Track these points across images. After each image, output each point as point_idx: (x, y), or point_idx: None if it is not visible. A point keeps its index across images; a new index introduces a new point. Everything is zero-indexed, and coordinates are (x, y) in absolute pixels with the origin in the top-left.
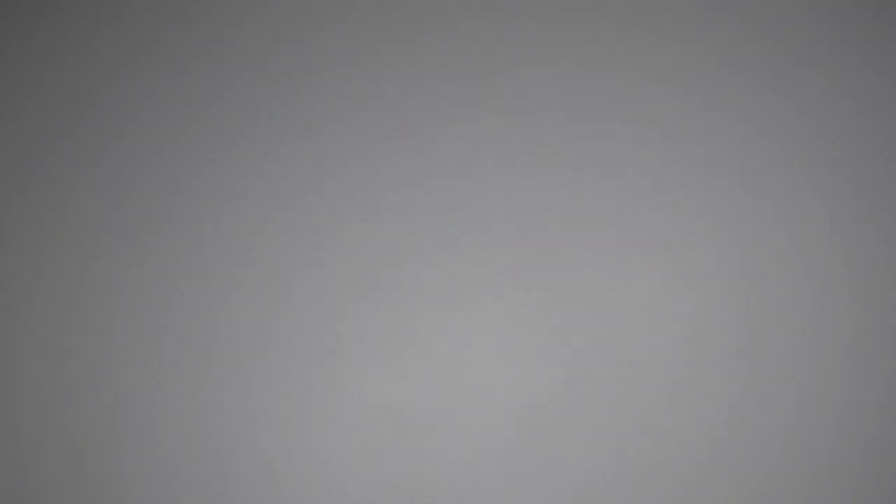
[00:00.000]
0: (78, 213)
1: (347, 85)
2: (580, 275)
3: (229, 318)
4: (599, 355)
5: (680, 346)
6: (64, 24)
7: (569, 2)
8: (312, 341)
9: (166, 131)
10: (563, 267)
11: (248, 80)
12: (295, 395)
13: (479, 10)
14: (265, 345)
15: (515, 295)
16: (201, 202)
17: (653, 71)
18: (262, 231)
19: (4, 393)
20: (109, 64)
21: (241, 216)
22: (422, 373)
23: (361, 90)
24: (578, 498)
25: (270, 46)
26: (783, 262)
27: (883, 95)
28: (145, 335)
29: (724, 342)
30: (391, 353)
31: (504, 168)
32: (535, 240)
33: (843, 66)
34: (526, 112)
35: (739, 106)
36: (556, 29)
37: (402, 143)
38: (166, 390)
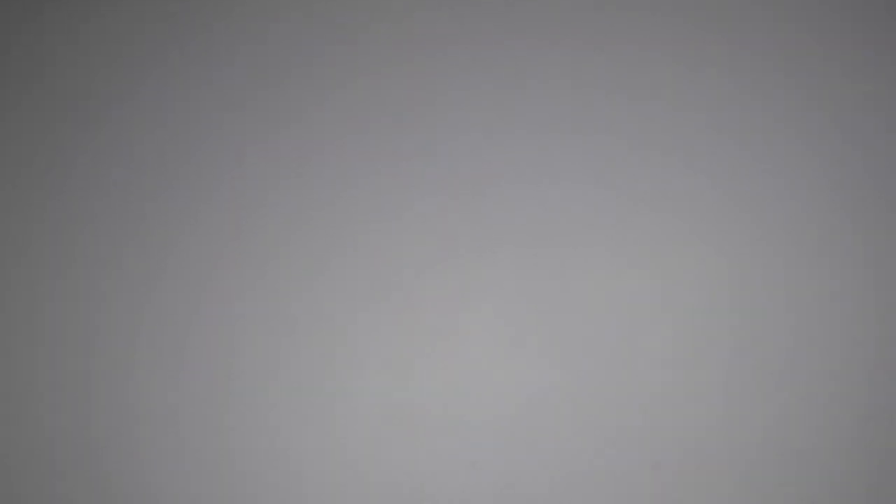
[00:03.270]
0: (96, 210)
1: (352, 87)
2: (581, 277)
3: (229, 318)
4: (599, 357)
5: (678, 347)
6: (63, 23)
7: (574, 3)
8: (313, 342)
9: (166, 132)
10: (564, 269)
11: (249, 83)
12: (295, 395)
13: (481, 13)
14: (267, 345)
15: (516, 296)
16: (206, 204)
17: (655, 71)
18: (265, 233)
19: (26, 390)
20: (107, 62)
21: (244, 217)
22: (422, 373)
23: (365, 93)
24: (577, 498)
25: (272, 49)
26: (783, 265)
27: (887, 94)
28: (142, 336)
29: (723, 344)
30: (392, 354)
31: (506, 172)
32: (536, 242)
33: (847, 66)
34: (529, 118)
35: (744, 105)
36: (559, 30)
37: (406, 146)
38: (164, 389)
